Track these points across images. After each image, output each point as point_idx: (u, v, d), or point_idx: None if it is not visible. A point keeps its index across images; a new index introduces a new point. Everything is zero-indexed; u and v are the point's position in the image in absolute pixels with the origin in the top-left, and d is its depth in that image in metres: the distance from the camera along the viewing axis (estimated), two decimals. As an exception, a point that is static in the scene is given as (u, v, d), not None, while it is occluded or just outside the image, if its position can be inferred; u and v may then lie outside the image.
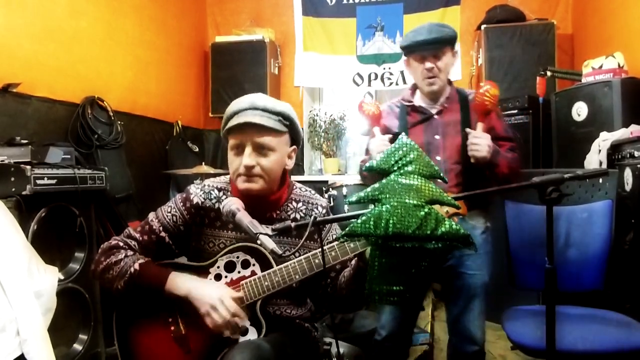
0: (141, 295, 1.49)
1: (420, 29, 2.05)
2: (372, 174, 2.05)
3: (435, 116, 2.09)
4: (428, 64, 2.02)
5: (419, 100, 2.15)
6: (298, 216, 1.61)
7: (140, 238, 1.55)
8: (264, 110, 1.49)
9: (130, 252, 1.52)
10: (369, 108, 2.07)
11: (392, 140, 2.00)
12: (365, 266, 1.35)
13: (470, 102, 2.06)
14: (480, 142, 1.90)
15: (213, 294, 1.42)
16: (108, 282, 1.50)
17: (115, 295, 1.53)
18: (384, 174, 1.17)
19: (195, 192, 1.59)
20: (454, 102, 2.10)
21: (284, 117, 1.52)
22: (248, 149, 1.48)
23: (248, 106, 1.49)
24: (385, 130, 2.07)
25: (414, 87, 2.20)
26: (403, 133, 1.26)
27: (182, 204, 1.58)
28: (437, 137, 2.05)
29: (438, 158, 2.03)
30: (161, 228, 1.56)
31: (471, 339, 2.00)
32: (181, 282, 1.46)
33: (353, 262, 1.48)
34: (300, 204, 1.63)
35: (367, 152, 2.12)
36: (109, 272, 1.49)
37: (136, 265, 1.47)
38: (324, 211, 1.65)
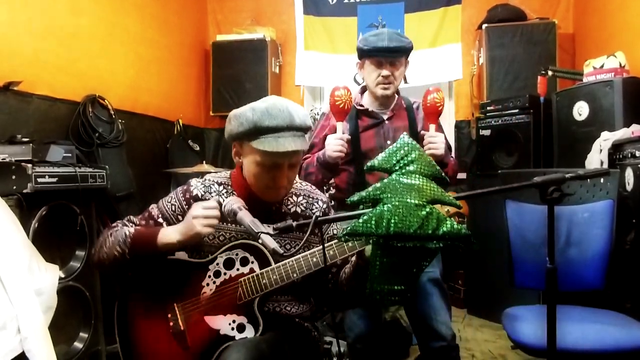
0: (135, 258, 1.47)
1: (381, 34, 2.08)
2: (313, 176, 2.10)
3: (386, 121, 2.15)
4: (385, 72, 2.07)
5: (368, 105, 2.19)
6: (299, 210, 1.62)
7: (139, 223, 1.58)
8: (299, 129, 1.48)
9: (126, 226, 1.55)
10: (341, 98, 2.00)
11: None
12: (364, 264, 1.35)
13: (416, 110, 2.18)
14: (437, 141, 1.99)
15: (190, 214, 1.42)
16: (106, 256, 1.48)
17: (112, 271, 1.54)
18: (385, 173, 1.17)
19: (196, 185, 1.61)
20: (402, 109, 2.19)
21: (309, 130, 1.56)
22: (284, 170, 1.49)
23: (287, 125, 1.45)
24: (334, 131, 2.07)
25: (363, 90, 2.24)
26: (405, 133, 1.26)
27: (182, 195, 1.59)
28: (388, 142, 2.10)
29: None
30: (160, 216, 1.57)
31: (437, 336, 2.00)
32: (169, 231, 1.45)
33: (353, 258, 1.48)
34: (300, 198, 1.64)
35: (312, 148, 2.16)
36: (106, 244, 1.49)
37: (131, 229, 1.49)
38: (325, 206, 1.66)
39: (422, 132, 2.06)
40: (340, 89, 2.01)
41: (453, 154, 2.28)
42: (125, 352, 1.56)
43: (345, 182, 2.19)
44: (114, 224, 1.58)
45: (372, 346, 2.13)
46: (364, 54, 2.12)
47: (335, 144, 1.98)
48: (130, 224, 1.58)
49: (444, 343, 1.99)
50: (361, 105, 2.19)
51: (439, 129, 2.13)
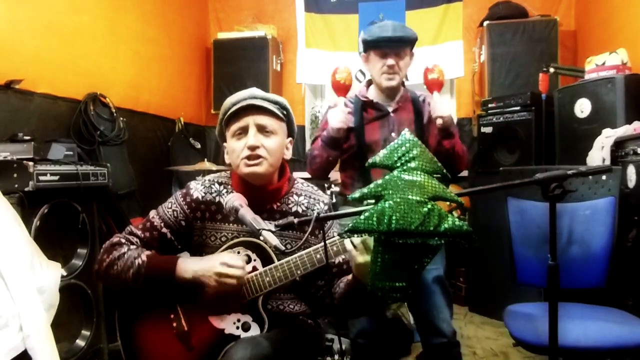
0: (149, 287, 1.48)
1: (385, 25, 2.11)
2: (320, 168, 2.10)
3: (391, 113, 2.16)
4: (390, 61, 2.08)
5: (374, 97, 2.20)
6: (300, 209, 1.62)
7: (142, 235, 1.56)
8: (263, 99, 1.55)
9: (132, 247, 1.52)
10: (342, 76, 2.12)
11: (349, 132, 2.09)
12: (359, 288, 1.35)
13: (423, 103, 2.20)
14: (442, 102, 2.06)
15: (214, 263, 1.42)
16: (114, 278, 1.49)
17: (120, 291, 1.53)
18: (387, 169, 1.16)
19: (196, 187, 1.60)
20: (407, 102, 2.20)
21: (282, 107, 1.59)
22: (252, 130, 1.51)
23: (248, 96, 1.56)
24: (347, 131, 2.10)
25: (369, 83, 2.26)
26: (406, 129, 1.26)
27: (182, 199, 1.58)
28: (393, 134, 2.12)
29: None
30: (162, 224, 1.56)
31: (438, 333, 2.02)
32: (187, 267, 1.46)
33: (349, 277, 1.47)
34: (302, 198, 1.64)
35: (315, 140, 2.16)
36: (114, 268, 1.48)
37: (143, 257, 1.47)
38: (326, 207, 1.66)
39: (426, 101, 2.16)
40: (341, 67, 2.15)
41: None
42: (128, 353, 1.55)
43: (350, 177, 2.19)
44: (116, 239, 1.55)
45: (374, 341, 2.14)
46: (369, 45, 2.13)
47: (337, 115, 2.03)
48: (134, 238, 1.55)
49: (444, 340, 2.01)
50: (366, 98, 2.19)
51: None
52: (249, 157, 1.51)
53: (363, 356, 2.14)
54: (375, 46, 2.11)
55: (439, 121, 2.03)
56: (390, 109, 2.16)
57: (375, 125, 2.15)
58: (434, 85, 2.12)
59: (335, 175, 3.84)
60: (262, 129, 1.52)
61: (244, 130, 1.52)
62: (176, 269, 1.45)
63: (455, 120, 4.26)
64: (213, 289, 1.42)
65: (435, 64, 2.14)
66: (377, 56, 2.11)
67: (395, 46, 2.08)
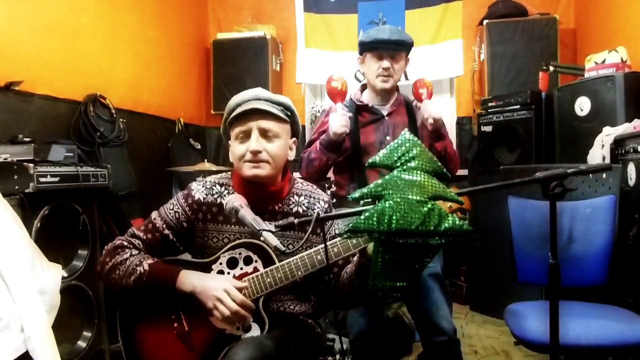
0: (149, 294, 1.48)
1: (382, 28, 2.15)
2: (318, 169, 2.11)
3: (386, 117, 2.18)
4: (385, 63, 2.11)
5: (369, 101, 2.22)
6: (300, 210, 1.61)
7: (144, 237, 1.56)
8: (267, 100, 1.55)
9: (135, 251, 1.52)
10: (337, 84, 2.13)
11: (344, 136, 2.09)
12: (367, 263, 1.35)
13: (416, 108, 2.21)
14: (434, 106, 2.09)
15: (217, 287, 1.42)
16: (115, 282, 1.49)
17: (122, 294, 1.53)
18: (387, 169, 1.17)
19: (197, 188, 1.60)
20: (402, 106, 2.22)
21: (286, 108, 1.58)
22: (255, 134, 1.51)
23: (252, 97, 1.56)
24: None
25: (364, 87, 2.28)
26: (406, 129, 1.26)
27: (184, 200, 1.58)
28: (388, 137, 2.13)
29: None
30: (164, 226, 1.56)
31: (439, 331, 2.02)
32: (187, 279, 1.45)
33: (355, 258, 1.48)
34: (302, 198, 1.64)
35: (311, 144, 2.18)
36: (115, 272, 1.49)
37: (145, 265, 1.47)
38: (326, 206, 1.66)
39: (418, 105, 2.18)
40: (335, 75, 2.16)
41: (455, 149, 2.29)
42: (129, 354, 1.55)
43: (346, 178, 2.19)
44: (118, 242, 1.55)
45: (372, 343, 2.14)
46: (365, 47, 2.15)
47: (339, 120, 2.04)
48: (137, 241, 1.55)
49: (445, 338, 2.01)
50: (361, 102, 2.21)
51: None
52: (251, 161, 1.51)
53: (362, 358, 2.14)
54: (371, 48, 2.13)
55: (430, 121, 2.05)
56: (385, 112, 2.18)
57: (370, 129, 2.16)
58: (424, 96, 2.16)
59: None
60: (264, 133, 1.52)
61: (246, 134, 1.52)
62: (177, 281, 1.45)
63: (454, 120, 4.28)
64: (208, 309, 1.42)
65: (423, 79, 2.19)
66: (374, 58, 2.13)
67: (391, 49, 2.11)
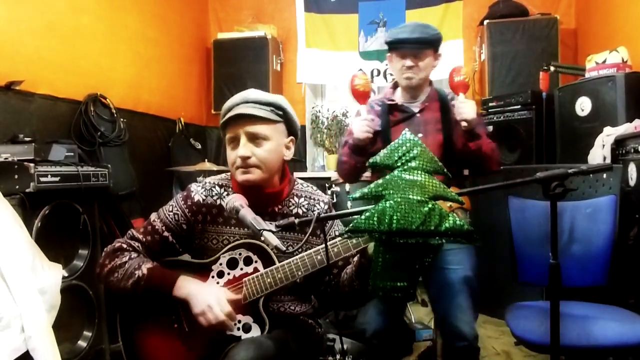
0: (148, 297, 1.49)
1: (405, 27, 2.11)
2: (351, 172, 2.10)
3: (417, 114, 2.13)
4: (408, 62, 2.07)
5: (400, 99, 2.18)
6: (300, 211, 1.61)
7: (144, 239, 1.56)
8: (255, 102, 1.53)
9: (134, 254, 1.52)
10: (360, 83, 2.10)
11: (375, 135, 2.07)
12: (368, 263, 1.35)
13: (451, 101, 2.14)
14: (466, 105, 1.99)
15: (210, 295, 1.43)
16: (113, 285, 1.50)
17: (120, 295, 1.54)
18: (387, 169, 1.17)
19: (196, 189, 1.60)
20: (434, 101, 2.15)
21: (276, 107, 1.55)
22: (242, 140, 1.50)
23: (240, 101, 1.54)
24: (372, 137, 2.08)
25: (395, 86, 2.24)
26: (406, 129, 1.26)
27: (183, 202, 1.58)
28: (419, 135, 2.08)
29: None
30: (164, 227, 1.56)
31: (459, 335, 1.97)
32: (184, 286, 1.46)
33: (355, 259, 1.48)
34: (302, 199, 1.63)
35: (349, 133, 2.14)
36: (114, 275, 1.49)
37: (144, 269, 1.47)
38: (326, 207, 1.66)
39: (453, 102, 2.09)
40: (358, 75, 2.13)
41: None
42: (129, 354, 1.56)
43: (378, 177, 2.18)
44: (118, 245, 1.56)
45: (388, 343, 2.12)
46: (389, 46, 2.13)
47: (361, 125, 2.02)
48: (136, 243, 1.56)
49: (465, 343, 1.97)
50: (392, 100, 2.18)
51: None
52: (241, 167, 1.50)
53: (376, 357, 2.12)
54: (394, 48, 2.11)
55: (464, 124, 1.99)
56: (415, 110, 2.14)
57: (400, 128, 2.07)
58: (460, 87, 2.09)
59: (335, 175, 3.85)
60: (253, 138, 1.50)
61: (236, 140, 1.51)
62: (174, 287, 1.46)
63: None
64: (195, 314, 1.43)
65: (461, 65, 2.10)
66: (398, 57, 2.10)
67: (413, 47, 2.06)
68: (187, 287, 1.46)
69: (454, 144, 2.08)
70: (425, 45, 2.08)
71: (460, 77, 2.08)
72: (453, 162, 2.04)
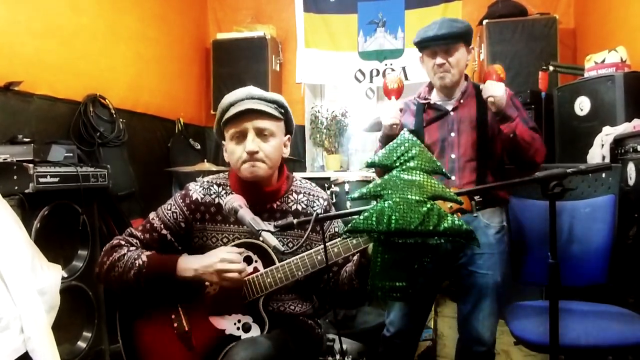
0: (151, 287, 1.48)
1: (432, 24, 2.05)
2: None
3: (451, 112, 2.07)
4: (439, 60, 2.01)
5: (434, 97, 2.14)
6: (299, 207, 1.62)
7: (142, 236, 1.56)
8: (260, 98, 1.55)
9: (132, 248, 1.53)
10: (393, 82, 2.08)
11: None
12: (368, 262, 1.35)
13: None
14: (494, 83, 1.92)
15: (215, 260, 1.42)
16: (115, 280, 1.49)
17: (122, 292, 1.54)
18: (386, 169, 1.17)
19: (195, 188, 1.60)
20: (471, 97, 2.08)
21: (279, 105, 1.58)
22: (251, 135, 1.51)
23: (245, 96, 1.55)
24: (401, 128, 2.03)
25: (431, 85, 2.18)
26: (405, 129, 1.27)
27: (181, 200, 1.58)
28: (452, 134, 2.04)
29: (452, 156, 2.02)
30: (162, 226, 1.56)
31: (479, 340, 1.98)
32: (187, 265, 1.46)
33: (355, 257, 1.48)
34: (301, 196, 1.64)
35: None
36: (114, 270, 1.49)
37: (143, 257, 1.47)
38: (325, 203, 1.66)
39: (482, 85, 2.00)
40: (390, 73, 2.10)
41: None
42: (129, 354, 1.55)
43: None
44: (116, 242, 1.56)
45: (409, 343, 2.13)
46: (419, 47, 2.09)
47: (388, 112, 2.00)
48: (134, 240, 1.56)
49: (484, 349, 1.98)
50: (426, 99, 2.14)
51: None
52: (248, 162, 1.51)
53: (397, 356, 2.12)
54: (423, 47, 2.07)
55: (490, 100, 1.91)
56: (449, 108, 2.08)
57: (434, 127, 2.08)
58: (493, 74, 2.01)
59: (335, 175, 3.85)
60: (260, 133, 1.52)
61: (242, 135, 1.52)
62: (177, 268, 1.45)
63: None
64: (216, 286, 1.43)
65: (494, 66, 2.01)
66: (428, 56, 2.06)
67: (442, 44, 2.00)
68: (190, 265, 1.45)
69: (492, 140, 2.02)
70: (454, 39, 2.00)
71: (492, 75, 1.98)
72: (489, 159, 2.01)
